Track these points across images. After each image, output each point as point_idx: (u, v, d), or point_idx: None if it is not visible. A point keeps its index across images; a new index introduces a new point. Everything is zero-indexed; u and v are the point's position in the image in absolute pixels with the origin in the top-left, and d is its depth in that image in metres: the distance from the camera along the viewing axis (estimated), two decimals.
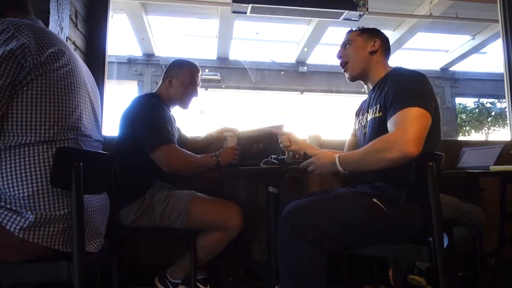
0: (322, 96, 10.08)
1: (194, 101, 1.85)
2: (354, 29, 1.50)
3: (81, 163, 0.98)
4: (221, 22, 7.14)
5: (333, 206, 1.25)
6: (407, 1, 6.64)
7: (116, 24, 7.02)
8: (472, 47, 8.74)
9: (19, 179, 0.97)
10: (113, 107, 2.44)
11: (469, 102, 11.04)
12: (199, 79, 1.83)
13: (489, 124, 10.71)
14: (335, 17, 2.72)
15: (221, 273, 1.88)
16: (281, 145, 1.63)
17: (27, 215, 0.97)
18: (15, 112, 0.97)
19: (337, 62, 1.51)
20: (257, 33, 8.19)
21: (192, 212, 1.53)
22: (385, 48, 1.44)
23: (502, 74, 2.82)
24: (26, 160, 0.98)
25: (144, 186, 1.59)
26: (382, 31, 1.49)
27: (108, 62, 2.24)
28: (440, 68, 10.27)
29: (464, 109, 11.02)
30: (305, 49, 8.77)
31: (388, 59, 1.46)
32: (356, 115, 1.58)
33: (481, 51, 9.08)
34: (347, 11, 2.59)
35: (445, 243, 1.17)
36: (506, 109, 2.91)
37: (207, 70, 8.91)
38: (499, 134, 10.56)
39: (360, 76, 1.46)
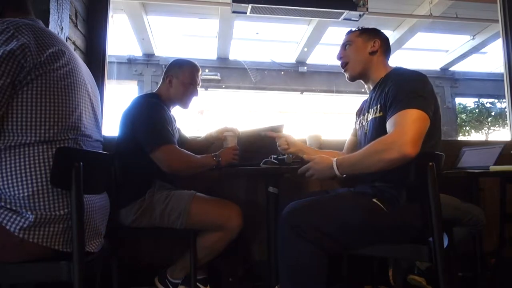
0: (322, 96, 10.08)
1: (194, 101, 1.85)
2: (353, 29, 1.50)
3: (81, 163, 0.98)
4: (221, 22, 7.14)
5: (333, 206, 1.25)
6: (407, 1, 6.64)
7: (116, 24, 7.02)
8: (472, 47, 8.74)
9: (19, 179, 0.97)
10: (113, 107, 2.44)
11: (469, 102, 11.05)
12: (199, 78, 1.83)
13: (489, 124, 10.72)
14: (335, 17, 2.72)
15: (221, 273, 1.88)
16: (279, 148, 1.63)
17: (27, 215, 0.97)
18: (15, 112, 0.97)
19: (337, 62, 1.52)
20: (257, 33, 8.19)
21: (192, 212, 1.53)
22: (385, 48, 1.44)
23: (502, 74, 2.82)
24: (26, 160, 0.98)
25: (144, 186, 1.58)
26: (382, 31, 1.49)
27: (108, 62, 2.24)
28: (440, 68, 10.27)
29: (464, 109, 11.02)
30: (305, 49, 8.77)
31: (388, 59, 1.46)
32: (356, 114, 1.58)
33: (481, 51, 9.09)
34: (347, 11, 2.59)
35: (445, 243, 1.17)
36: (506, 109, 2.91)
37: (207, 70, 8.91)
38: (499, 134, 10.57)
39: (360, 76, 1.47)
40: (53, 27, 1.68)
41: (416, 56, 9.39)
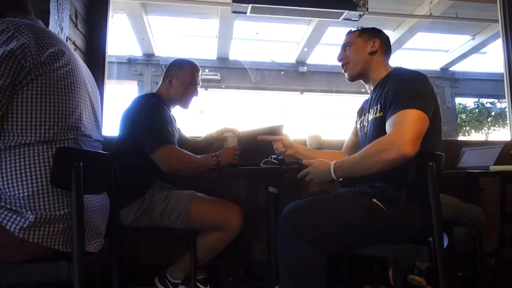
0: (322, 96, 10.08)
1: (194, 101, 1.85)
2: (353, 30, 1.49)
3: (81, 163, 0.98)
4: (221, 22, 7.14)
5: (333, 206, 1.25)
6: (407, 1, 6.64)
7: (116, 24, 7.02)
8: (472, 47, 8.74)
9: (19, 179, 0.97)
10: (113, 107, 2.44)
11: (469, 102, 11.05)
12: (199, 78, 1.83)
13: (489, 124, 10.72)
14: (335, 17, 2.72)
15: (221, 273, 1.88)
16: (276, 152, 1.63)
17: (27, 215, 0.97)
18: (15, 112, 0.97)
19: (337, 62, 1.52)
20: (257, 33, 8.19)
21: (192, 212, 1.53)
22: (386, 47, 1.44)
23: (502, 74, 2.82)
24: (26, 160, 0.98)
25: (144, 186, 1.58)
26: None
27: (108, 62, 2.24)
28: (440, 68, 10.27)
29: (464, 109, 11.03)
30: (305, 49, 8.77)
31: (389, 58, 1.46)
32: (358, 114, 1.58)
33: (481, 51, 9.09)
34: (347, 11, 2.59)
35: (445, 243, 1.17)
36: (506, 109, 2.91)
37: (207, 70, 8.91)
38: (499, 134, 10.57)
39: (359, 76, 1.47)
40: (53, 27, 1.68)
41: (416, 56, 9.39)
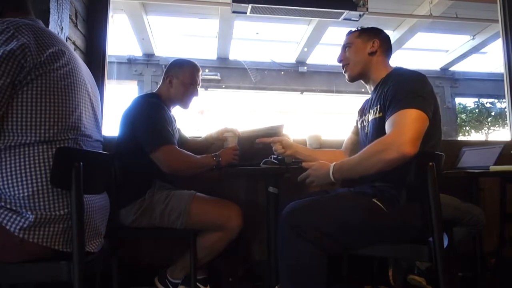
0: (322, 96, 10.08)
1: (194, 101, 1.85)
2: (353, 30, 1.49)
3: (81, 163, 0.98)
4: (221, 22, 7.14)
5: (333, 206, 1.25)
6: (407, 1, 6.64)
7: (116, 24, 7.02)
8: (472, 47, 8.74)
9: (19, 179, 0.97)
10: (113, 107, 2.44)
11: (469, 102, 11.05)
12: (199, 78, 1.83)
13: (489, 124, 10.72)
14: (335, 17, 2.72)
15: (221, 273, 1.88)
16: (275, 153, 1.62)
17: (27, 215, 0.97)
18: (15, 112, 0.97)
19: (337, 62, 1.52)
20: (257, 33, 8.19)
21: (192, 212, 1.53)
22: (386, 47, 1.44)
23: (502, 74, 2.82)
24: (26, 160, 0.98)
25: (144, 186, 1.58)
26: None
27: (108, 62, 2.24)
28: (440, 68, 10.27)
29: (464, 109, 11.02)
30: (305, 49, 8.77)
31: (389, 58, 1.45)
32: (358, 113, 1.58)
33: (481, 51, 9.09)
34: (347, 11, 2.59)
35: (445, 243, 1.17)
36: (506, 109, 2.91)
37: (207, 70, 8.91)
38: (499, 134, 10.57)
39: (359, 76, 1.46)
40: (53, 27, 1.68)
41: (416, 56, 9.39)
